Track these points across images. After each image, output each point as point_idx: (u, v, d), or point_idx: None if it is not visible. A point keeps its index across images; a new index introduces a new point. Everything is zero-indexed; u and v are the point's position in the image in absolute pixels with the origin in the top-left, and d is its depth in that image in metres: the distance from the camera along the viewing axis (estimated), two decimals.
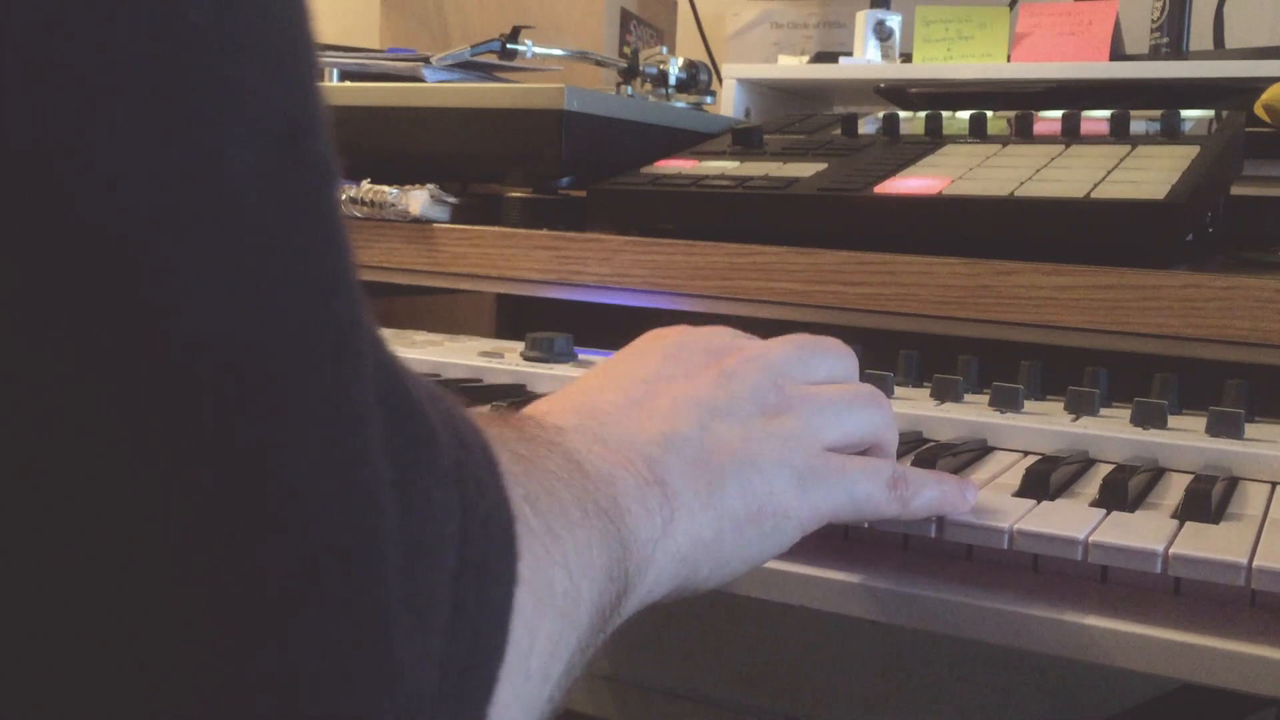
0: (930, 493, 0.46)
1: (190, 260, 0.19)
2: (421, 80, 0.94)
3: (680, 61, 1.07)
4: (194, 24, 0.19)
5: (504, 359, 0.74)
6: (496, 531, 0.28)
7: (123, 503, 0.19)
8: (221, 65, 0.19)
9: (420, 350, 0.76)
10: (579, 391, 0.43)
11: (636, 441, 0.39)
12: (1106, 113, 0.85)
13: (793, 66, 1.16)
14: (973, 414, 0.62)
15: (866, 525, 0.49)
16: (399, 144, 0.87)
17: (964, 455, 0.57)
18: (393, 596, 0.23)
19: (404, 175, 0.86)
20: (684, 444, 0.40)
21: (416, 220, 0.82)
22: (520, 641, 0.28)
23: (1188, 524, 0.47)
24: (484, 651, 0.26)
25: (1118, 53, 1.04)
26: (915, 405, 0.63)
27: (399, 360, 0.26)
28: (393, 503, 0.23)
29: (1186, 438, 0.58)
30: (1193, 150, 0.74)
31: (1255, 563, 0.43)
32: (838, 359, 0.48)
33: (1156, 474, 0.55)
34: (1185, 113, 0.84)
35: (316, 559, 0.21)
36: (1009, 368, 0.67)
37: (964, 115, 0.87)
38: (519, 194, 0.85)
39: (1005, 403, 0.63)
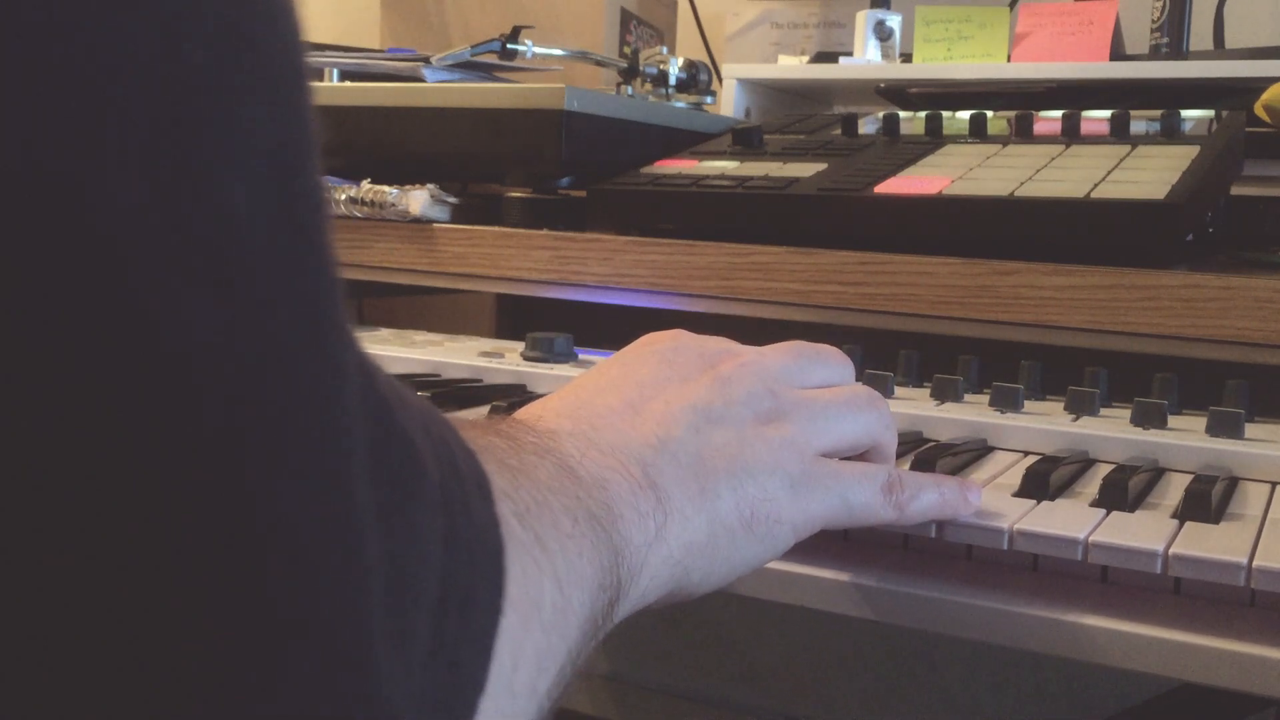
0: (929, 497, 0.46)
1: (185, 291, 0.19)
2: (421, 80, 0.94)
3: (680, 61, 1.06)
4: (192, 64, 0.20)
5: (504, 359, 0.74)
6: (482, 559, 0.28)
7: (109, 518, 0.19)
8: (217, 102, 0.20)
9: (420, 350, 0.76)
10: (573, 394, 0.43)
11: (630, 445, 0.39)
12: (1106, 113, 0.85)
13: (793, 66, 1.16)
14: (973, 414, 0.62)
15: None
16: (399, 144, 0.87)
17: (964, 455, 0.57)
18: (375, 625, 0.23)
19: (404, 175, 0.86)
20: (678, 448, 0.40)
21: (416, 220, 0.82)
22: (504, 661, 0.28)
23: (1188, 524, 0.47)
24: (464, 679, 0.26)
25: (1118, 53, 1.04)
26: (915, 405, 0.63)
27: (390, 383, 0.26)
28: (375, 532, 0.23)
29: (1186, 438, 0.58)
30: (1193, 150, 0.74)
31: (1255, 563, 0.43)
32: (834, 367, 0.49)
33: (1156, 474, 0.55)
34: (1185, 113, 0.84)
35: (298, 587, 0.21)
36: (1009, 368, 0.67)
37: (964, 115, 0.87)
38: (519, 194, 0.85)
39: (1005, 403, 0.63)
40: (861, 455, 0.48)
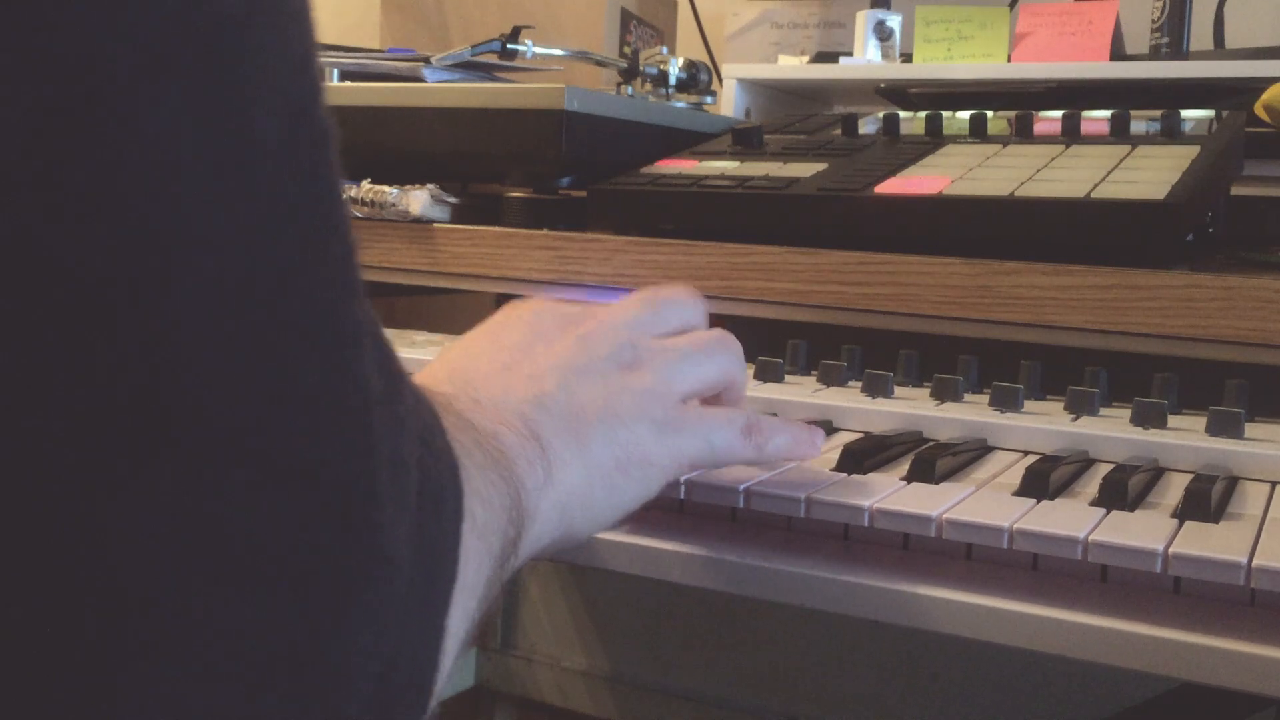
0: (782, 439, 0.50)
1: (220, 208, 0.23)
2: (421, 80, 0.94)
3: (680, 61, 1.06)
4: (229, 15, 0.24)
5: None
6: (446, 470, 0.32)
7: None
8: (251, 47, 0.24)
9: (420, 350, 0.76)
10: (447, 364, 0.46)
11: (510, 402, 0.42)
12: (1106, 113, 0.85)
13: (793, 66, 1.16)
14: (973, 414, 0.62)
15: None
16: (399, 144, 0.87)
17: (964, 455, 0.57)
18: (382, 479, 0.26)
19: (404, 175, 0.86)
20: (553, 403, 0.43)
21: (417, 220, 0.82)
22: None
23: (1187, 523, 0.47)
24: (440, 572, 0.30)
25: (1118, 53, 1.04)
26: (915, 405, 0.63)
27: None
28: (381, 405, 0.27)
29: (1186, 437, 0.58)
30: (1193, 150, 0.74)
31: (1255, 562, 0.43)
32: (687, 306, 0.52)
33: (1156, 474, 0.55)
34: (1185, 113, 0.83)
35: (321, 431, 0.25)
36: (1009, 368, 0.67)
37: (964, 115, 0.87)
38: (519, 194, 0.85)
39: (1005, 402, 0.63)
40: (718, 397, 0.51)
